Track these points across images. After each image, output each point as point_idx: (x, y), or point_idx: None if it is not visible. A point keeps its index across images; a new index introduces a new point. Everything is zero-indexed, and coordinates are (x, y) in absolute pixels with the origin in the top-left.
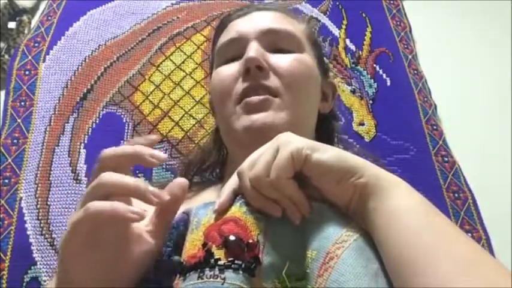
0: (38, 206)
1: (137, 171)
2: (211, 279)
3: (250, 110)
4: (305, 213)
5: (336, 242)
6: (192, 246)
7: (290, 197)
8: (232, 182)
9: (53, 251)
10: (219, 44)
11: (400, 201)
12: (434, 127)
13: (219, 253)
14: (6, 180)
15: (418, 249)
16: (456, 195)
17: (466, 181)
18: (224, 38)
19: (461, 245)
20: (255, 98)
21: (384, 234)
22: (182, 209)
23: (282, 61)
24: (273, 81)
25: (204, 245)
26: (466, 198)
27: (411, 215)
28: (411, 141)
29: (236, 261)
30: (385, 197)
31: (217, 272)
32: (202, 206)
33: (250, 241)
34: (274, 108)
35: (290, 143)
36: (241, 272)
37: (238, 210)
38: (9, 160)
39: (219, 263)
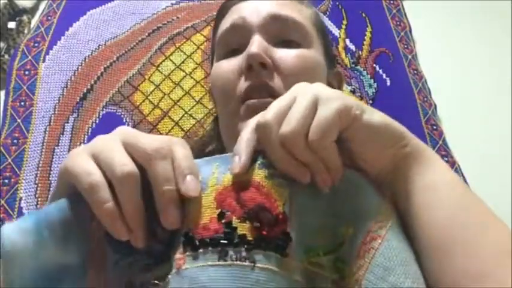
0: (38, 206)
1: None
2: (238, 262)
3: (253, 113)
4: (336, 180)
5: (377, 220)
6: (200, 214)
7: (326, 161)
8: (251, 135)
9: None
10: (220, 31)
11: (441, 177)
12: (434, 127)
13: (242, 227)
14: (6, 180)
15: (458, 230)
16: None
17: (466, 181)
18: (226, 23)
19: (499, 229)
20: (257, 102)
21: (422, 210)
22: None
23: (286, 58)
24: (276, 82)
25: (221, 215)
26: None
27: (452, 192)
28: None
29: (266, 240)
30: (425, 170)
31: (244, 253)
32: (205, 163)
33: (280, 214)
34: None
35: (334, 97)
36: (273, 253)
37: (257, 173)
38: (9, 160)
39: (247, 240)
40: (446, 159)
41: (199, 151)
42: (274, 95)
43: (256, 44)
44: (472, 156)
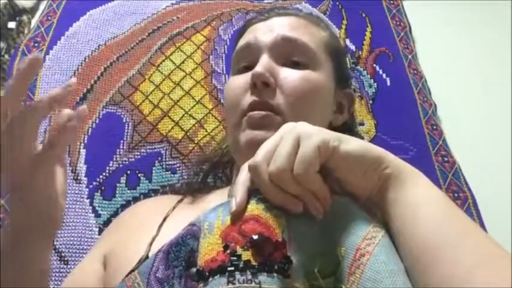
0: None
1: (137, 171)
2: (245, 284)
3: (253, 125)
4: (326, 207)
5: (364, 238)
6: (208, 251)
7: (314, 191)
8: (245, 178)
9: (53, 251)
10: (236, 48)
11: (421, 192)
12: (434, 127)
13: (246, 254)
14: None
15: (440, 239)
16: (456, 195)
17: (466, 181)
18: (242, 41)
19: (479, 236)
20: (257, 114)
21: (405, 224)
22: (186, 217)
23: (289, 78)
24: (277, 100)
25: (226, 247)
26: (466, 198)
27: (433, 206)
28: (411, 141)
29: (268, 263)
30: (407, 187)
31: (249, 276)
32: (210, 211)
33: (279, 241)
34: (276, 126)
35: (313, 134)
36: (275, 274)
37: (255, 207)
38: None
39: (251, 265)
40: (446, 159)
41: (213, 158)
42: (274, 111)
43: (262, 63)
44: (472, 156)
